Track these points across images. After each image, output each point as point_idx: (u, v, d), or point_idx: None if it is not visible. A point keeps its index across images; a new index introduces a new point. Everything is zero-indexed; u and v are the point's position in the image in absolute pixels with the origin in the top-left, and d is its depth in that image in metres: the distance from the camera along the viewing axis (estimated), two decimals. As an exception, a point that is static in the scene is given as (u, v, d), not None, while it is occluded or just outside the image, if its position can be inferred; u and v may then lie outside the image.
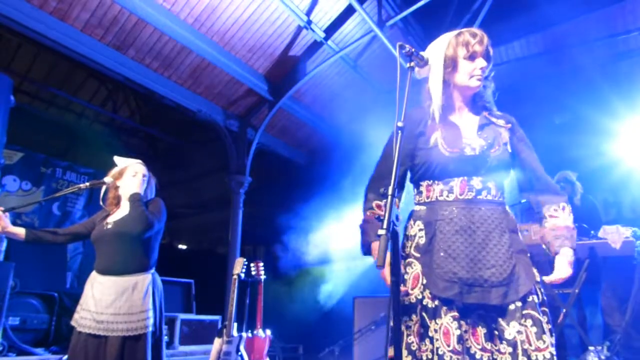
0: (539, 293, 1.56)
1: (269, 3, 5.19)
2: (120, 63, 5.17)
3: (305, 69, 6.12)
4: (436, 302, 1.54)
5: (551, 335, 1.49)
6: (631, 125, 5.07)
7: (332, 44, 5.87)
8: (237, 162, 6.63)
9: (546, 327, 1.49)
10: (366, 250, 1.69)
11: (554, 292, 3.50)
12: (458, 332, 1.49)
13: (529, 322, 1.49)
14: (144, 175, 2.71)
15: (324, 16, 5.64)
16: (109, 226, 2.56)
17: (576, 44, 5.68)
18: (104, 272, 2.49)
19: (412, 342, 1.56)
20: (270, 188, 8.07)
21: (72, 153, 8.18)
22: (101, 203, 2.74)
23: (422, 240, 1.64)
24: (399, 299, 1.29)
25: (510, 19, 5.53)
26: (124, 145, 9.29)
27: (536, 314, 1.50)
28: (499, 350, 1.49)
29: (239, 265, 3.76)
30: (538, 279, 1.59)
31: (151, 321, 2.46)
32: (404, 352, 1.53)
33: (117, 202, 2.71)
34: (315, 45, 5.98)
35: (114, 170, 2.74)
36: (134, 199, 2.60)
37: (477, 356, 1.48)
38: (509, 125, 1.73)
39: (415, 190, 1.76)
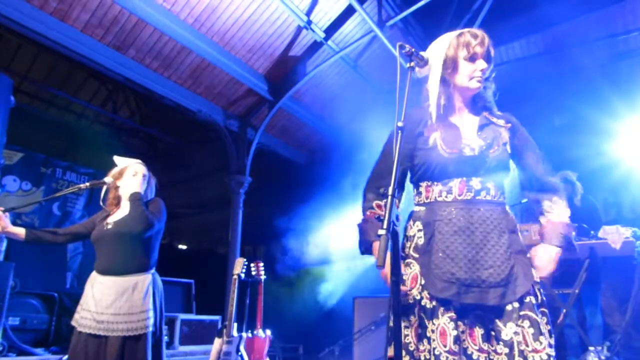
0: (538, 294, 1.56)
1: (269, 3, 5.19)
2: (120, 63, 5.17)
3: (305, 69, 6.12)
4: (434, 303, 1.54)
5: (550, 336, 1.49)
6: (631, 125, 5.07)
7: (332, 44, 5.87)
8: (237, 162, 6.63)
9: (544, 328, 1.49)
10: (365, 249, 1.68)
11: (554, 292, 3.50)
12: (455, 332, 1.49)
13: (526, 323, 1.49)
14: (144, 175, 2.71)
15: (324, 16, 5.64)
16: (109, 226, 2.56)
17: (576, 44, 5.68)
18: (104, 272, 2.49)
19: (410, 343, 1.56)
20: (270, 188, 8.07)
21: (72, 153, 8.19)
22: (101, 203, 2.74)
23: (421, 241, 1.64)
24: (399, 299, 1.29)
25: (510, 19, 5.53)
26: (124, 145, 9.29)
27: (533, 315, 1.49)
28: (495, 351, 1.48)
29: (239, 265, 3.76)
30: (537, 279, 1.59)
31: (151, 321, 2.46)
32: (402, 352, 1.53)
33: (117, 202, 2.71)
34: (315, 46, 5.98)
35: (114, 170, 2.74)
36: (134, 198, 2.60)
37: (474, 357, 1.48)
38: (509, 125, 1.73)
39: (415, 190, 1.75)
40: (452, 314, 1.51)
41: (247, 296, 4.14)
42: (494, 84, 1.77)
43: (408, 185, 1.80)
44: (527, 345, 1.46)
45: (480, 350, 1.49)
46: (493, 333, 1.51)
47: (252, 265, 4.04)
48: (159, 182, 2.87)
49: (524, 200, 2.98)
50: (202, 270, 6.90)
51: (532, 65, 6.10)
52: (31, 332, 4.32)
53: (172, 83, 5.78)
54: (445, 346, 1.47)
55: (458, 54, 1.66)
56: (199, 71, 5.78)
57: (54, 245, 2.72)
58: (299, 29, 5.69)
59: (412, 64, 1.56)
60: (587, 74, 5.46)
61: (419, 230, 1.65)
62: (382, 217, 1.25)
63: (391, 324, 1.29)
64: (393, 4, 5.61)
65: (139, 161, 2.79)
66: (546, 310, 1.55)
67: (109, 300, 2.40)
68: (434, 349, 1.48)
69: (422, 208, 1.68)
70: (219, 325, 5.24)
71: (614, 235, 3.25)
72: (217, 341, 3.56)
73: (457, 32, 1.71)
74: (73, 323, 2.42)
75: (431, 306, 1.54)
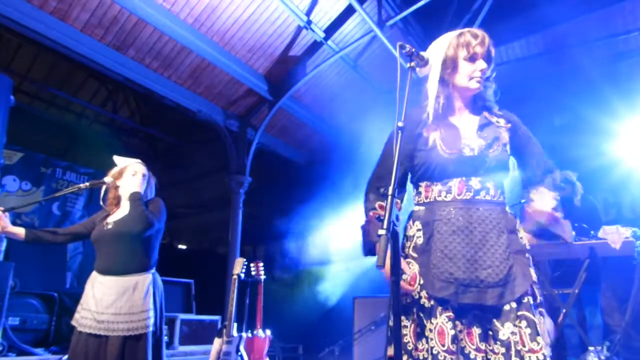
0: (536, 294, 1.56)
1: (269, 3, 5.19)
2: (120, 63, 5.17)
3: (305, 69, 6.12)
4: (432, 302, 1.54)
5: (547, 336, 1.50)
6: (631, 125, 5.07)
7: (332, 44, 5.87)
8: (237, 162, 6.63)
9: (541, 328, 1.49)
10: (368, 250, 1.66)
11: (554, 292, 3.50)
12: (453, 332, 1.49)
13: (524, 323, 1.48)
14: (143, 175, 2.71)
15: (324, 16, 5.64)
16: (109, 226, 2.56)
17: (576, 44, 5.68)
18: (105, 272, 2.49)
19: (409, 342, 1.56)
20: (270, 188, 8.07)
21: (72, 153, 8.19)
22: (101, 203, 2.74)
23: (420, 241, 1.64)
24: (399, 299, 1.29)
25: (510, 19, 5.53)
26: (124, 145, 9.29)
27: (530, 315, 1.49)
28: (492, 351, 1.48)
29: (239, 265, 3.76)
30: (535, 279, 1.59)
31: (152, 321, 2.46)
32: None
33: (117, 202, 2.71)
34: (315, 45, 5.98)
35: (114, 170, 2.75)
36: (134, 198, 2.60)
37: (472, 356, 1.48)
38: (509, 125, 1.72)
39: (415, 190, 1.75)
40: (450, 314, 1.51)
41: (247, 296, 4.14)
42: (495, 84, 1.77)
43: (408, 185, 1.80)
44: (524, 345, 1.45)
45: (478, 349, 1.49)
46: (490, 333, 1.51)
47: (251, 265, 4.04)
48: (159, 182, 2.88)
49: (523, 201, 2.98)
50: (202, 270, 6.90)
51: (532, 65, 6.10)
52: (31, 332, 4.32)
53: (172, 83, 5.78)
54: (443, 345, 1.47)
55: (458, 54, 1.66)
56: (199, 71, 5.78)
57: (53, 245, 2.73)
58: (299, 29, 5.69)
59: (412, 64, 1.56)
60: (587, 74, 5.46)
61: (418, 230, 1.65)
62: (382, 217, 1.25)
63: (391, 323, 1.29)
64: (393, 4, 5.61)
65: (139, 161, 2.79)
66: (543, 310, 1.55)
67: (109, 300, 2.41)
68: (432, 348, 1.49)
69: (422, 208, 1.68)
70: (219, 325, 5.24)
71: (614, 235, 3.25)
72: (217, 341, 3.56)
73: (458, 32, 1.70)
74: (73, 323, 2.43)
75: (429, 305, 1.54)
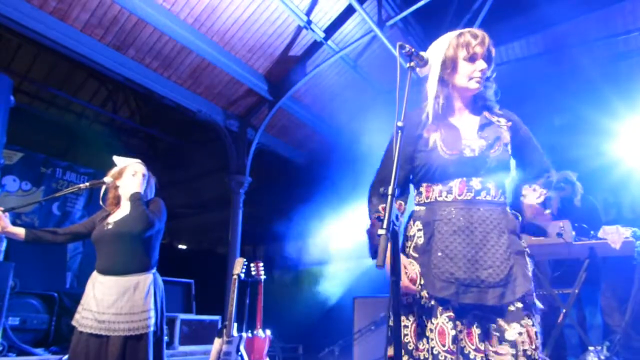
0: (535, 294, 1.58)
1: (269, 3, 5.19)
2: (120, 63, 5.17)
3: (305, 69, 6.12)
4: (432, 302, 1.54)
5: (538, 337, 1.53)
6: (631, 125, 5.07)
7: (332, 44, 5.87)
8: (237, 162, 6.63)
9: (538, 328, 1.52)
10: (374, 253, 1.65)
11: (554, 292, 3.50)
12: (453, 332, 1.49)
13: (530, 322, 1.50)
14: (143, 175, 2.71)
15: (324, 16, 5.64)
16: (110, 226, 2.56)
17: (576, 44, 5.68)
18: (105, 272, 2.49)
19: (409, 342, 1.56)
20: (270, 188, 8.07)
21: (72, 153, 8.18)
22: (101, 203, 2.74)
23: (421, 241, 1.64)
24: (399, 299, 1.29)
25: (510, 19, 5.53)
26: (124, 145, 9.29)
27: (534, 316, 1.53)
28: (496, 352, 1.48)
29: (239, 265, 3.76)
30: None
31: (153, 321, 2.46)
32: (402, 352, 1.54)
33: (117, 202, 2.71)
34: (315, 45, 5.98)
35: (114, 170, 2.75)
36: (135, 198, 2.60)
37: (471, 356, 1.48)
38: (510, 124, 1.72)
39: (416, 190, 1.75)
40: (451, 314, 1.51)
41: (247, 296, 4.14)
42: (495, 84, 1.77)
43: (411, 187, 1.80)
44: (532, 344, 1.47)
45: (477, 350, 1.49)
46: (496, 333, 1.50)
47: (252, 265, 4.04)
48: (159, 182, 2.88)
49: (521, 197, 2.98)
50: (202, 270, 6.90)
51: (532, 65, 6.10)
52: (31, 332, 4.32)
53: (172, 83, 5.78)
54: (444, 346, 1.47)
55: (458, 54, 1.66)
56: (199, 71, 5.78)
57: (53, 245, 2.73)
58: (299, 29, 5.69)
59: (412, 64, 1.56)
60: (587, 74, 5.46)
61: (419, 230, 1.65)
62: (382, 218, 1.25)
63: (391, 323, 1.29)
64: (393, 3, 5.61)
65: (139, 161, 2.79)
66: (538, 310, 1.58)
67: (110, 300, 2.41)
68: (433, 348, 1.49)
69: (422, 208, 1.69)
70: (219, 325, 5.24)
71: (614, 235, 3.25)
72: (217, 341, 3.56)
73: (458, 32, 1.70)
74: (74, 323, 2.42)
75: (430, 305, 1.54)
